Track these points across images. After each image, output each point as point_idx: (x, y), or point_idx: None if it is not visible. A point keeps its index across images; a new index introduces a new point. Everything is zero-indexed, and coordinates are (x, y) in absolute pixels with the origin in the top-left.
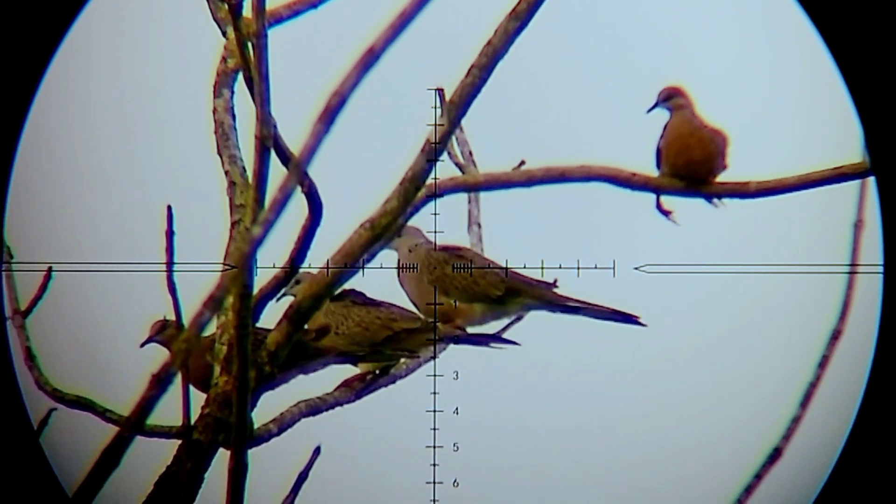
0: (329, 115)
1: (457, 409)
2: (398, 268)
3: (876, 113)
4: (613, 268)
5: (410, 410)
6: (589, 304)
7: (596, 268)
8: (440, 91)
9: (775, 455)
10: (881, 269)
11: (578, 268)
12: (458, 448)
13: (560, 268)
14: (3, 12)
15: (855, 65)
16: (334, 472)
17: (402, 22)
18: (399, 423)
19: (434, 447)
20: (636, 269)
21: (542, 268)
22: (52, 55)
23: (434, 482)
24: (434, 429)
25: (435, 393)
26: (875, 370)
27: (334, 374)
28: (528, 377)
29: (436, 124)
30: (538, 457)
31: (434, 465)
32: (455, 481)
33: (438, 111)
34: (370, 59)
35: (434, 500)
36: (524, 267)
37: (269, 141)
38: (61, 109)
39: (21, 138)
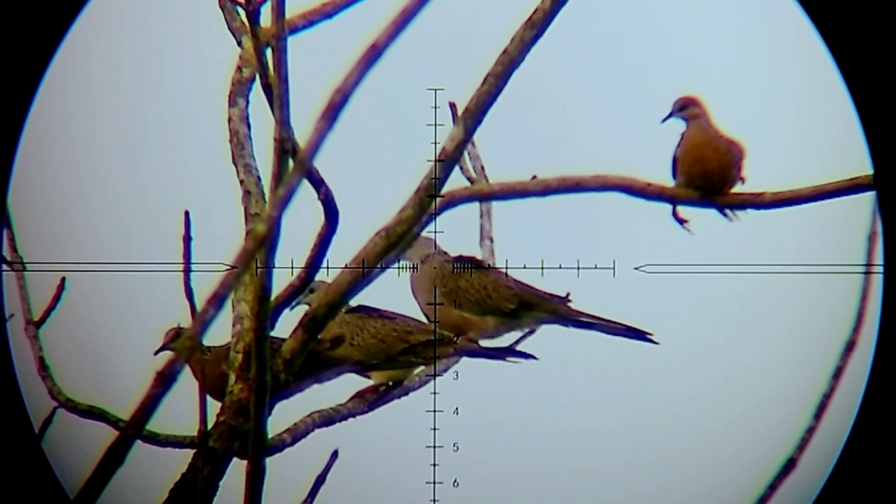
0: (332, 112)
1: (457, 409)
2: (411, 278)
3: (875, 112)
4: (613, 268)
5: (410, 410)
6: (602, 319)
7: (596, 268)
8: (452, 105)
9: (790, 466)
10: (881, 269)
11: (578, 268)
12: (458, 448)
13: (560, 268)
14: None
15: (858, 72)
16: (334, 472)
17: (405, 18)
18: (399, 423)
19: (434, 447)
20: (636, 269)
21: (542, 268)
22: (53, 53)
23: (434, 482)
24: (434, 429)
25: (435, 393)
26: (875, 370)
27: (347, 385)
28: (528, 377)
29: (436, 124)
30: (538, 457)
31: (434, 465)
32: (455, 481)
33: (438, 113)
34: (373, 55)
35: (434, 500)
36: (524, 267)
37: (287, 144)
38: (72, 113)
39: (22, 144)
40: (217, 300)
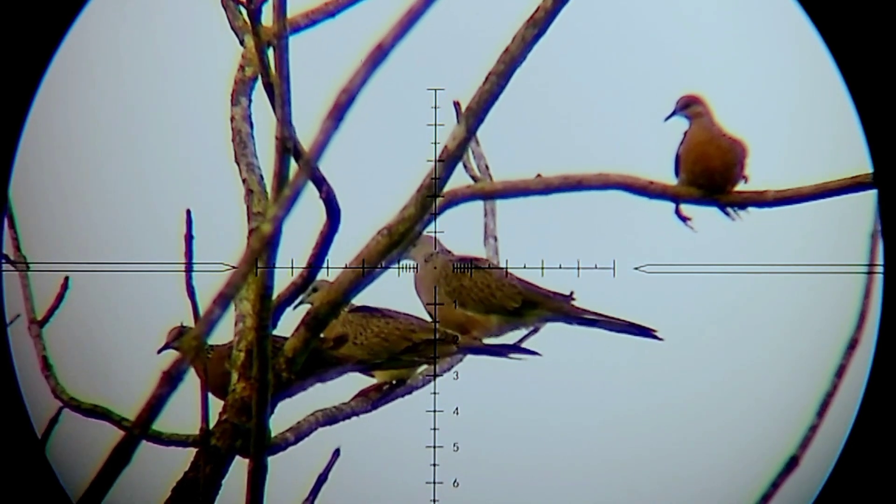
0: (338, 112)
1: (457, 409)
2: (414, 277)
3: (875, 111)
4: (613, 268)
5: (410, 410)
6: (605, 316)
7: (596, 268)
8: (456, 104)
9: (792, 464)
10: (881, 269)
11: (578, 268)
12: (458, 448)
13: (560, 268)
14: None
15: (857, 71)
16: (334, 472)
17: (411, 19)
18: (399, 423)
19: (434, 447)
20: (636, 269)
21: (542, 268)
22: (53, 53)
23: (434, 482)
24: (434, 429)
25: (435, 393)
26: (875, 369)
27: (350, 384)
28: (528, 377)
29: (436, 124)
30: (538, 457)
31: (434, 465)
32: (455, 481)
33: (438, 112)
34: (379, 55)
35: (434, 500)
36: (524, 267)
37: (289, 142)
38: (73, 112)
39: (23, 143)
40: (223, 300)
